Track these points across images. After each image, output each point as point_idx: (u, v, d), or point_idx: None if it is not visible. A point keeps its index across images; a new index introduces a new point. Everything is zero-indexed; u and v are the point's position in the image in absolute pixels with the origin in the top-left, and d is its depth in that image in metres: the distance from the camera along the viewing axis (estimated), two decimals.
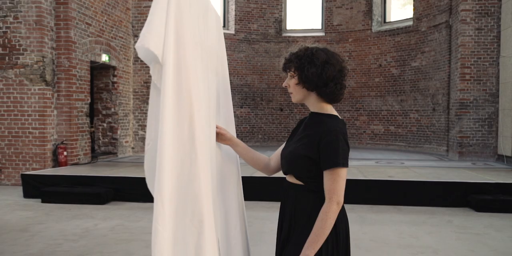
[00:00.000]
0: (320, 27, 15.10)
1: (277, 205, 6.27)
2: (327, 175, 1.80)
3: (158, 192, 1.56)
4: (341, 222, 1.89)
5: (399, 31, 13.25)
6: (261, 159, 2.16)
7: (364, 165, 8.97)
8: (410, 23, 12.90)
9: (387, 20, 14.06)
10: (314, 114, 1.96)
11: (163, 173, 1.57)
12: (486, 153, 10.15)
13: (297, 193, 1.93)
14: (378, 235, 4.99)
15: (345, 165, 1.79)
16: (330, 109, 1.96)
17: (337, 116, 1.94)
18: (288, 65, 1.96)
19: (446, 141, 11.26)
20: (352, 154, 10.08)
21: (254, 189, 6.55)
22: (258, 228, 5.16)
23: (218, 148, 2.15)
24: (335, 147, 1.79)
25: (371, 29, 14.06)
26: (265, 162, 2.15)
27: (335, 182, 1.78)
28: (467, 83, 10.24)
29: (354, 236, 4.92)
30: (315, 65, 1.84)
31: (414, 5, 12.73)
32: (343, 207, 1.94)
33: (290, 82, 1.96)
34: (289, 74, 1.96)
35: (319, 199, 1.84)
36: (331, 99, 1.93)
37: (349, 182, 6.44)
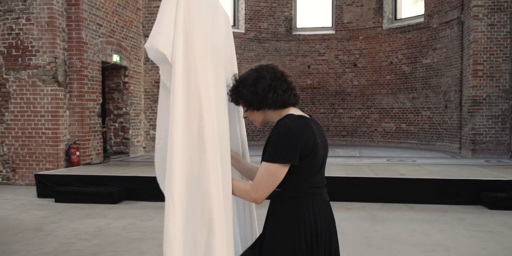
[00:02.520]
0: (331, 25, 15.05)
1: None
2: (261, 167, 1.80)
3: (168, 191, 1.59)
4: (322, 222, 1.87)
5: (410, 28, 13.16)
6: (254, 170, 2.12)
7: (376, 163, 8.93)
8: (422, 19, 12.80)
9: (398, 17, 13.98)
10: (276, 122, 1.96)
11: (173, 172, 1.59)
12: (499, 150, 10.05)
13: (276, 200, 1.93)
14: (390, 233, 4.97)
15: (279, 161, 1.76)
16: (286, 112, 1.96)
17: (292, 114, 1.93)
18: (234, 100, 2.01)
19: (458, 138, 11.17)
20: (363, 152, 10.06)
21: None
22: None
23: (228, 146, 2.16)
24: (275, 142, 1.79)
25: (381, 26, 13.98)
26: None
27: (263, 176, 1.78)
28: (480, 80, 10.14)
29: (366, 234, 4.92)
30: (247, 85, 1.91)
31: (425, 2, 12.63)
32: (327, 204, 1.93)
33: (244, 112, 2.03)
34: (241, 106, 2.03)
35: (297, 204, 1.85)
36: (283, 105, 1.94)
37: (360, 180, 6.41)
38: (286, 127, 1.80)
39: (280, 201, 1.90)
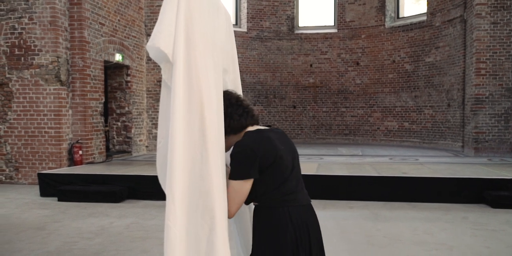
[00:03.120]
0: (333, 24, 15.04)
1: None
2: (228, 185, 1.86)
3: (169, 190, 1.59)
4: (301, 228, 1.90)
5: (412, 26, 13.13)
6: None
7: (378, 161, 8.92)
8: (424, 18, 12.77)
9: (400, 16, 13.95)
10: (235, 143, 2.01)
11: (174, 171, 1.59)
12: (502, 148, 10.03)
13: (255, 214, 1.99)
14: (392, 231, 4.97)
15: (240, 178, 1.83)
16: (244, 131, 2.00)
17: (248, 131, 1.97)
18: None
19: (461, 137, 11.14)
20: (365, 150, 10.07)
21: None
22: None
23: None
24: (233, 160, 1.85)
25: (384, 25, 13.96)
26: None
27: (229, 193, 1.84)
28: (483, 78, 10.12)
29: (368, 232, 4.92)
30: None
31: (428, 0, 12.60)
32: (306, 209, 1.96)
33: None
34: None
35: (273, 214, 1.90)
36: (241, 127, 1.99)
37: (362, 179, 6.42)
38: (241, 145, 1.86)
39: (258, 213, 1.96)
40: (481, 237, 4.73)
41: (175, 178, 1.59)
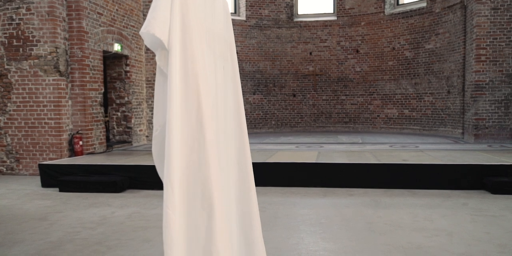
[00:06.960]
0: (332, 11, 14.94)
1: (291, 190, 6.31)
2: None
3: (167, 177, 1.59)
4: None
5: (412, 13, 13.05)
6: None
7: (378, 149, 8.93)
8: (424, 4, 12.69)
9: (400, 2, 13.85)
10: None
11: (172, 158, 1.59)
12: (502, 135, 10.03)
13: None
14: (392, 218, 4.99)
15: None
16: None
17: None
18: None
19: (461, 123, 11.14)
20: (365, 138, 10.07)
21: (268, 175, 6.58)
22: (272, 213, 5.20)
23: (229, 134, 2.16)
24: None
25: (384, 12, 13.87)
26: None
27: None
28: (483, 65, 10.08)
29: (368, 219, 4.94)
30: None
31: None
32: None
33: None
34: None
35: None
36: None
37: (362, 166, 6.42)
38: None
39: None
40: (481, 223, 4.76)
41: (173, 166, 1.59)
